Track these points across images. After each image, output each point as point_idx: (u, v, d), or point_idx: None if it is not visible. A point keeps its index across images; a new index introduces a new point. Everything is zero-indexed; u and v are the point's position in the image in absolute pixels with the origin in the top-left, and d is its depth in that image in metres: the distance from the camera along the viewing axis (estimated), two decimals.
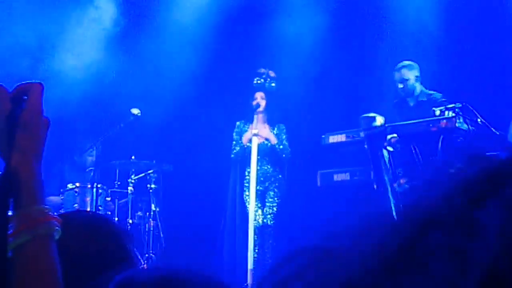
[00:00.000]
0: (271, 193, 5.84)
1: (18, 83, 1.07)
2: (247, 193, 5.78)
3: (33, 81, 1.07)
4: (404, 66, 5.36)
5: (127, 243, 1.40)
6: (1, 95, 1.02)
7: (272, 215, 5.76)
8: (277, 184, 5.88)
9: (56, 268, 1.02)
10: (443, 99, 5.17)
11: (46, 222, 1.01)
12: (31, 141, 1.03)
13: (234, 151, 6.02)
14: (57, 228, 1.04)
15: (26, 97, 1.05)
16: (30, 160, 1.02)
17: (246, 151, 5.85)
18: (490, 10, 5.83)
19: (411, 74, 5.31)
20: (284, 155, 5.95)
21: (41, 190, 1.03)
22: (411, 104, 5.42)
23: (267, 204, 5.80)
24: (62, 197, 5.73)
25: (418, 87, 5.40)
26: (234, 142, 6.05)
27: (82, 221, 1.40)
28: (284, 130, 6.01)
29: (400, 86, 5.34)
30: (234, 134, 6.08)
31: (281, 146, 5.93)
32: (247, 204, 5.72)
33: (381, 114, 4.84)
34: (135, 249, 1.45)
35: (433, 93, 5.36)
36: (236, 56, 6.56)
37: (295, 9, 6.53)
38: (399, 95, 5.49)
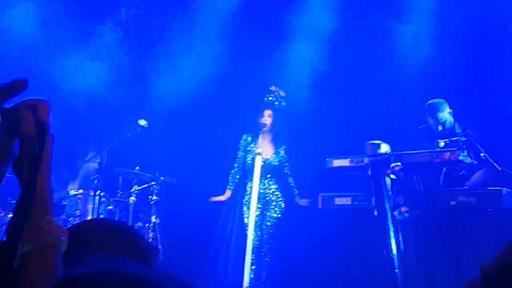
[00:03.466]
0: (272, 211, 5.85)
1: (24, 99, 1.04)
2: (245, 209, 5.82)
3: (39, 98, 1.07)
4: (437, 110, 5.25)
5: (149, 256, 1.45)
6: (27, 119, 1.04)
7: (269, 234, 5.77)
8: (278, 203, 5.89)
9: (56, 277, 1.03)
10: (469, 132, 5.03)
11: (53, 233, 1.05)
12: (45, 157, 1.08)
13: (236, 164, 6.09)
14: (63, 239, 1.07)
15: (43, 120, 1.06)
16: (44, 174, 1.08)
17: (250, 167, 5.89)
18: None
19: (446, 113, 5.21)
20: (287, 173, 6.02)
21: (52, 203, 1.08)
22: (440, 129, 5.28)
23: (267, 223, 5.81)
24: (65, 202, 5.76)
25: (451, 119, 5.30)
26: (239, 154, 6.10)
27: (110, 227, 1.45)
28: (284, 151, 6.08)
29: (440, 128, 5.24)
30: (240, 146, 6.14)
31: (285, 170, 6.02)
32: (245, 220, 5.73)
33: (387, 142, 4.87)
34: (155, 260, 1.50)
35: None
36: (246, 73, 6.60)
37: (308, 33, 6.59)
38: (428, 125, 5.37)
